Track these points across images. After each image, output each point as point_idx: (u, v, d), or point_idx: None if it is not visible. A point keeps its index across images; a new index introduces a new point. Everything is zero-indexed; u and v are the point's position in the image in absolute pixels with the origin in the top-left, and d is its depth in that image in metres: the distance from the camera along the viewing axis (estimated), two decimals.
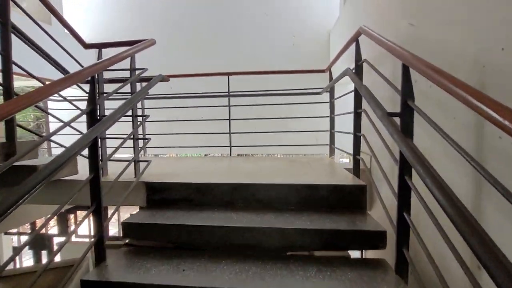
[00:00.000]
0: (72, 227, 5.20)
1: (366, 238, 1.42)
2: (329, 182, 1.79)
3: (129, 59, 1.98)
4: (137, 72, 1.99)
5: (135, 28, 4.97)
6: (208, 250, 1.48)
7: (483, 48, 1.04)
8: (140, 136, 3.16)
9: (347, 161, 2.85)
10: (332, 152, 3.06)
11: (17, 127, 1.57)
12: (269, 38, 4.66)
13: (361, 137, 1.96)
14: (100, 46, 2.00)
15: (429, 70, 1.04)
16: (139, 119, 2.12)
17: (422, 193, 1.06)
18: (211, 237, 1.51)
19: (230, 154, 3.47)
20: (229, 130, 3.42)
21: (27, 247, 5.22)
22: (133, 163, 1.97)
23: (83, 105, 1.55)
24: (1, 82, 1.51)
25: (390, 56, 1.46)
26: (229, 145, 3.46)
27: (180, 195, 1.86)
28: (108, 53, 1.88)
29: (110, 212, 1.85)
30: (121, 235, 1.78)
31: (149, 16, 5.01)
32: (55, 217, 5.01)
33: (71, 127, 1.66)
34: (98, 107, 1.44)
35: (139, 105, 3.52)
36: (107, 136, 2.07)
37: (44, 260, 5.10)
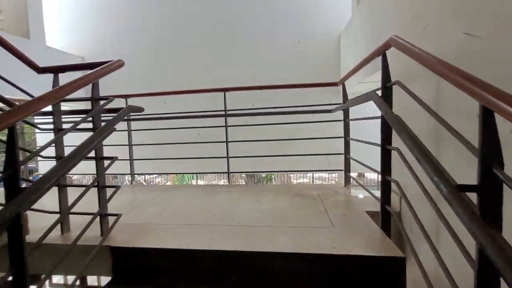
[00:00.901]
0: None
1: None
2: (351, 251, 1.32)
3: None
4: (101, 102, 1.57)
5: (129, 39, 4.59)
6: None
7: None
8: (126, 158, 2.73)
9: (361, 196, 2.39)
10: (347, 180, 2.58)
11: None
12: (272, 44, 4.19)
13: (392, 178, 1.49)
14: (55, 71, 1.58)
15: None
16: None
17: None
18: None
19: (229, 180, 3.02)
20: (227, 154, 2.98)
21: None
22: (98, 217, 1.55)
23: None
24: None
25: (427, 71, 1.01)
26: (227, 171, 3.02)
27: (157, 264, 1.43)
28: (67, 78, 1.47)
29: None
30: None
31: (143, 24, 4.62)
32: None
33: None
34: (21, 170, 1.01)
35: (124, 126, 3.12)
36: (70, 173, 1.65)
37: None
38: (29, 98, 1.14)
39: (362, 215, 1.83)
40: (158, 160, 3.63)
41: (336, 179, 7.64)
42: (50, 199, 1.49)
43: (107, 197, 1.58)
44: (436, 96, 1.36)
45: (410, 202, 1.26)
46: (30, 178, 3.92)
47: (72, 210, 1.38)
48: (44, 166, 4.82)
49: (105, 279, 1.53)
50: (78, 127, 1.39)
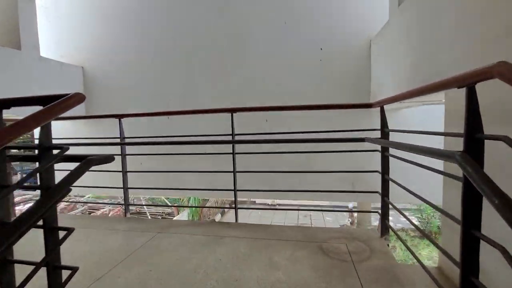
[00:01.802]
0: None
1: None
2: None
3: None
4: (54, 152, 1.13)
5: (130, 49, 4.22)
6: None
7: None
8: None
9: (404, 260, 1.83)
10: (385, 231, 2.03)
11: None
12: (289, 53, 3.65)
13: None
14: None
15: None
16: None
17: None
18: None
19: (236, 219, 2.53)
20: (234, 186, 2.49)
21: None
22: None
23: None
24: None
25: None
26: (234, 206, 2.54)
27: None
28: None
29: None
30: None
31: (144, 33, 4.23)
32: None
33: None
34: None
35: (118, 150, 2.71)
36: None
37: None
38: None
39: None
40: (157, 184, 3.22)
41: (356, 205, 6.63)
42: None
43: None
44: None
45: None
46: None
47: None
48: None
49: None
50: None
